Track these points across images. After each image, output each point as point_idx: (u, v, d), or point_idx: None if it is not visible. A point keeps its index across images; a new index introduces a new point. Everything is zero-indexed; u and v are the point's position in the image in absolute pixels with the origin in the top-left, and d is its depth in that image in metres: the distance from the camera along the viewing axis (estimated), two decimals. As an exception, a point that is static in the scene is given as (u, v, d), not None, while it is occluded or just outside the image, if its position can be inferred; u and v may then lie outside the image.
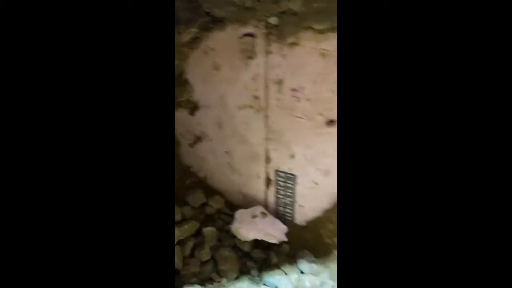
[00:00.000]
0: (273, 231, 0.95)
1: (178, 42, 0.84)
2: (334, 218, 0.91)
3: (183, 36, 0.84)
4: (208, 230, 0.95)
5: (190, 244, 0.92)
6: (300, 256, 0.94)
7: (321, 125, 0.82)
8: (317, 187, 0.91)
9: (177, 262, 0.88)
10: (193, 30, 0.83)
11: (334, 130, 0.81)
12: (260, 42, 0.80)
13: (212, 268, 0.92)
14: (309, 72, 0.77)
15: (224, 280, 0.90)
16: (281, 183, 0.95)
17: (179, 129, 1.01)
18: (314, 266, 0.92)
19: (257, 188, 1.00)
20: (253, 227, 0.94)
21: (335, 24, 0.71)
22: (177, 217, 0.95)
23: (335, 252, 0.92)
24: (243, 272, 0.92)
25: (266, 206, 1.01)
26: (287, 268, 0.92)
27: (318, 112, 0.81)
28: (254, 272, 0.92)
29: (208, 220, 1.00)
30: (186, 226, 0.94)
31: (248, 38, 0.80)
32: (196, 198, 1.01)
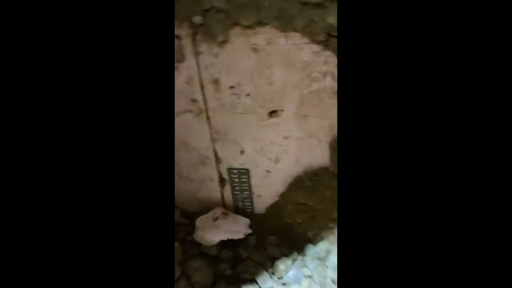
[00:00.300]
0: (237, 228, 0.95)
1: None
2: (291, 197, 0.96)
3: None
4: (172, 246, 0.91)
5: (156, 266, 0.88)
6: (267, 243, 0.98)
7: (264, 117, 0.84)
8: (270, 175, 0.94)
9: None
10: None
11: (277, 120, 0.84)
12: (186, 43, 0.77)
13: (186, 283, 0.89)
14: (244, 68, 0.77)
15: (201, 291, 0.88)
16: (236, 180, 0.96)
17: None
18: (283, 248, 0.97)
19: (212, 190, 0.99)
20: (217, 230, 0.94)
21: (262, 18, 0.71)
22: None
23: (299, 230, 0.98)
24: (217, 276, 0.91)
25: (224, 205, 1.01)
26: (258, 258, 0.95)
27: (259, 105, 0.82)
28: (228, 271, 0.92)
29: (168, 236, 0.96)
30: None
31: (174, 41, 0.76)
32: (149, 217, 0.95)
